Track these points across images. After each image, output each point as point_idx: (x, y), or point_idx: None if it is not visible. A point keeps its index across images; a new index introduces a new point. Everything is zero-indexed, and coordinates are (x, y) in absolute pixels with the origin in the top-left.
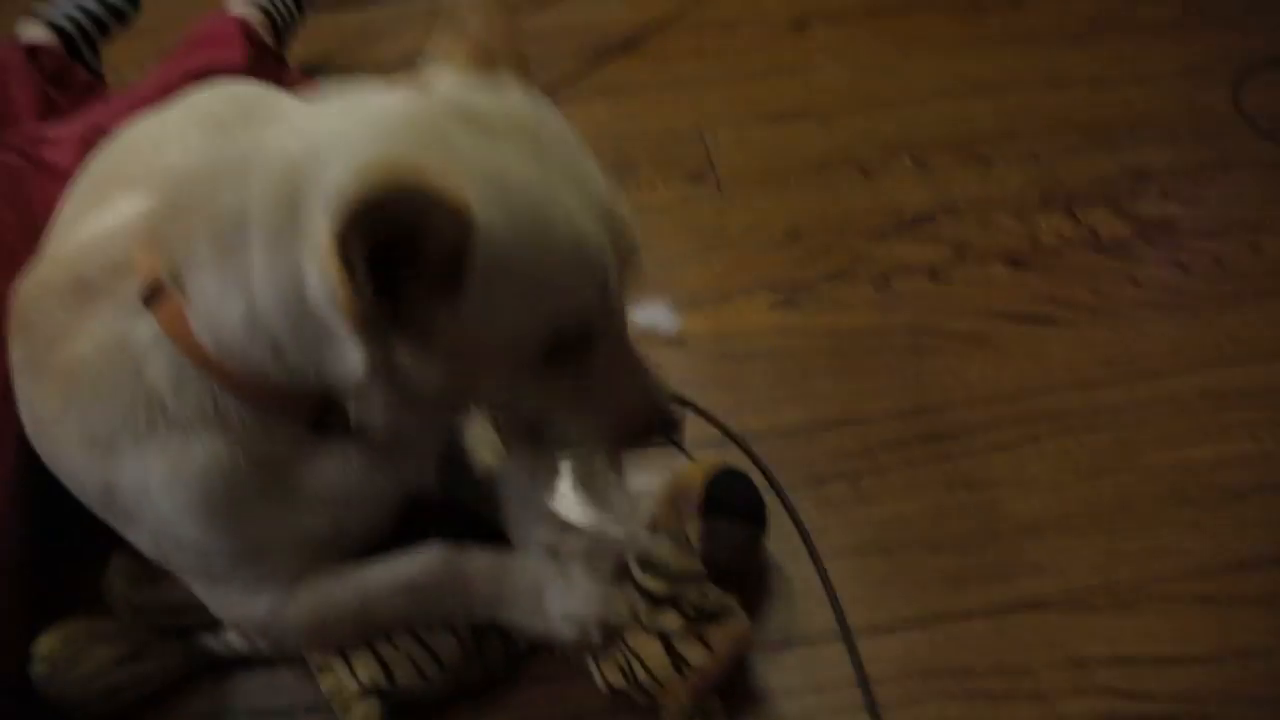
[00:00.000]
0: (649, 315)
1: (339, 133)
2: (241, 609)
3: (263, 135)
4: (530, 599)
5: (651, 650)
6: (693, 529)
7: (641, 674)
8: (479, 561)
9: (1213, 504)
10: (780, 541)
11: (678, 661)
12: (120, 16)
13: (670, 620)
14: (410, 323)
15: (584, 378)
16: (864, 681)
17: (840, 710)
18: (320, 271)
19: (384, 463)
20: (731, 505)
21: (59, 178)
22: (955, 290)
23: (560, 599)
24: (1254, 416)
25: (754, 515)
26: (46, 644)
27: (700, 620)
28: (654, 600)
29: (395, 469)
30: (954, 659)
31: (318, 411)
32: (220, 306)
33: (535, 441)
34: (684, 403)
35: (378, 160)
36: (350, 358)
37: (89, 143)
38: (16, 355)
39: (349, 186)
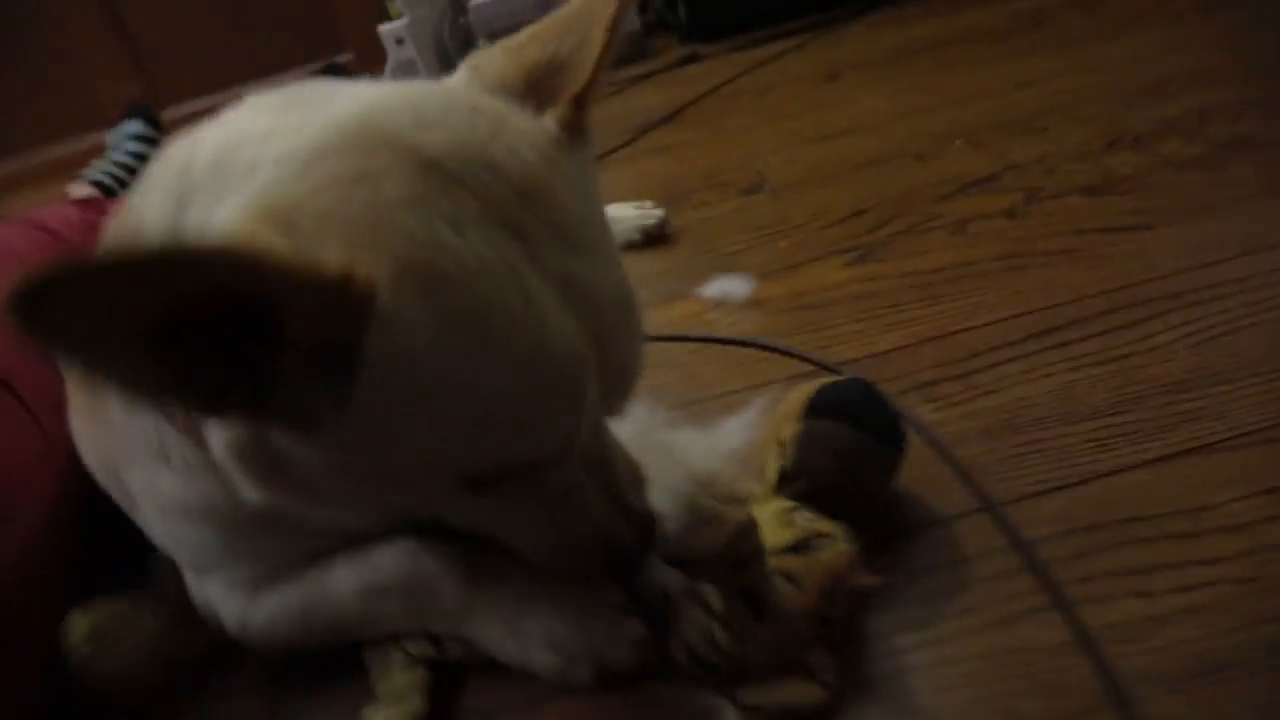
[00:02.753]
0: (719, 286)
1: (256, 138)
2: (220, 606)
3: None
4: (507, 614)
5: (729, 607)
6: (789, 446)
7: (723, 638)
8: (450, 562)
9: None
10: None
11: (757, 609)
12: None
13: (738, 575)
14: (285, 407)
15: (528, 503)
16: (1019, 543)
17: (1000, 575)
18: None
19: None
20: (836, 408)
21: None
22: (1036, 222)
23: (545, 620)
24: None
25: (866, 418)
26: (84, 621)
27: (788, 557)
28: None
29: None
30: (1122, 510)
31: None
32: None
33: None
34: (766, 347)
35: (228, 227)
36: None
37: None
38: None
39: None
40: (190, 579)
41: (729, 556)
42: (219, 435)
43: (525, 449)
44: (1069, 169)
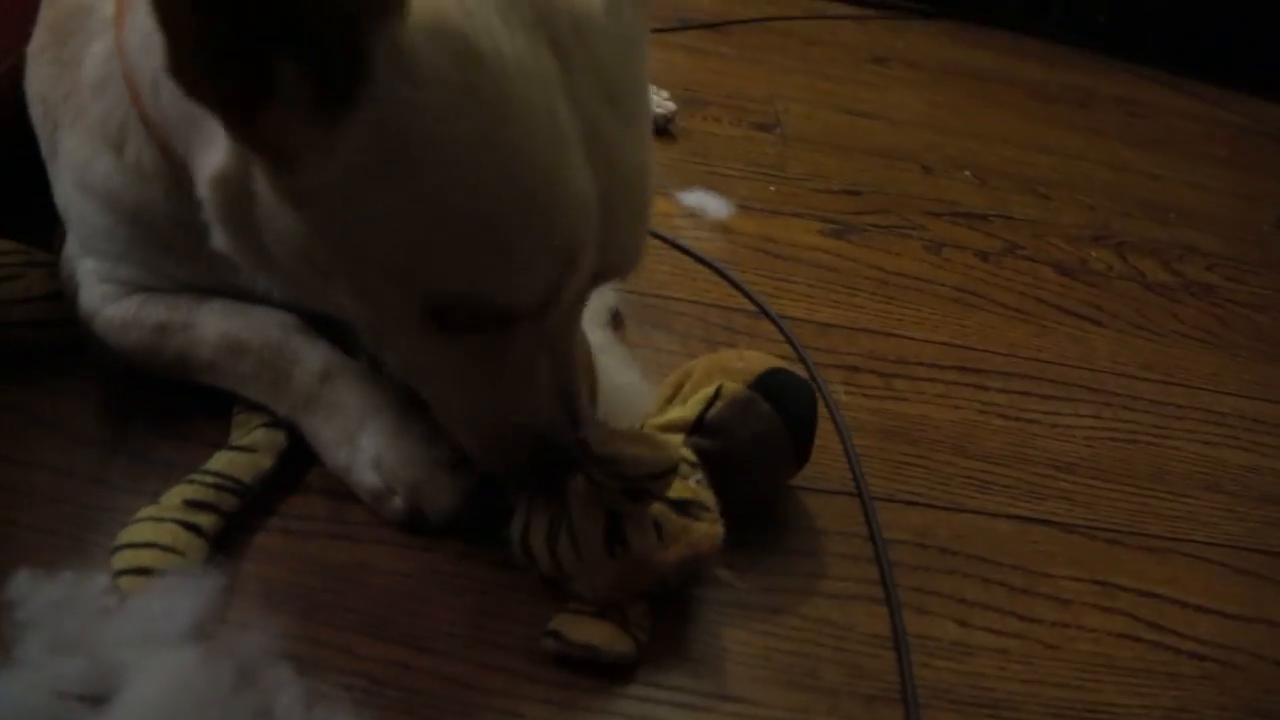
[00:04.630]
0: (699, 198)
1: None
2: (83, 287)
3: None
4: (349, 420)
5: (590, 522)
6: (724, 401)
7: (565, 545)
8: (317, 351)
9: (1247, 499)
10: None
11: (614, 544)
12: None
13: (620, 501)
14: (275, 139)
15: (481, 362)
16: (876, 536)
17: (849, 557)
18: None
19: None
20: (781, 398)
21: None
22: (1004, 273)
23: (380, 441)
24: None
25: (798, 425)
26: None
27: (667, 508)
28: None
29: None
30: (974, 546)
31: None
32: (133, 21)
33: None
34: (719, 272)
35: None
36: (214, 146)
37: None
38: None
39: None
40: (70, 247)
41: (633, 482)
42: (208, 164)
43: (502, 288)
44: (1052, 242)
